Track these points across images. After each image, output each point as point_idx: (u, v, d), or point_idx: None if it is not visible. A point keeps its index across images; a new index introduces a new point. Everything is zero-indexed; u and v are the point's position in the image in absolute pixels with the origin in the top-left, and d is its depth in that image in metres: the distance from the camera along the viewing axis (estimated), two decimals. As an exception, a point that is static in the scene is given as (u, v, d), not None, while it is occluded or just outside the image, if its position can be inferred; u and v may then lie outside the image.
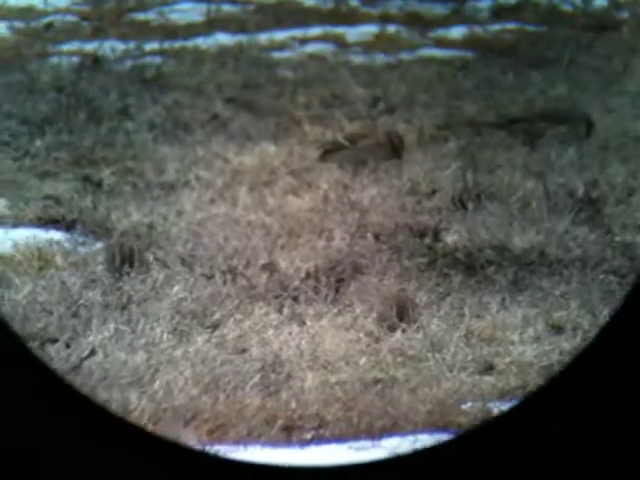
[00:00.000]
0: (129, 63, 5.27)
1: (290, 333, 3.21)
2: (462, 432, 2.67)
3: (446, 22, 5.62)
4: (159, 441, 2.46)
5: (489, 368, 3.06)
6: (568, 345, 3.16)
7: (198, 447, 2.69)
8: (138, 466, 2.32)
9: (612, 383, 2.30)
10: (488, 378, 3.01)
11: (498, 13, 5.70)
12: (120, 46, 5.43)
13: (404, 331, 3.22)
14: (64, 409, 2.32)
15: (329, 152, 4.31)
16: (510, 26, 5.57)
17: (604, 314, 3.29)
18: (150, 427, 2.76)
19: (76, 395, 2.43)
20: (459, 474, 2.32)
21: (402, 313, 3.28)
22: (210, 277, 3.49)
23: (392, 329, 3.24)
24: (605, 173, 4.11)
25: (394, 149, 4.24)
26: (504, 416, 2.65)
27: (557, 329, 3.25)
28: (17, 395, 2.31)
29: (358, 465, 2.46)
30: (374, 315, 3.29)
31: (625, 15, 5.57)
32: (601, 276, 3.50)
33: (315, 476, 2.42)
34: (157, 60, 5.31)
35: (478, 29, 5.56)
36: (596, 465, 2.29)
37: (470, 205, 3.95)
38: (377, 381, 3.01)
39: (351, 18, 5.72)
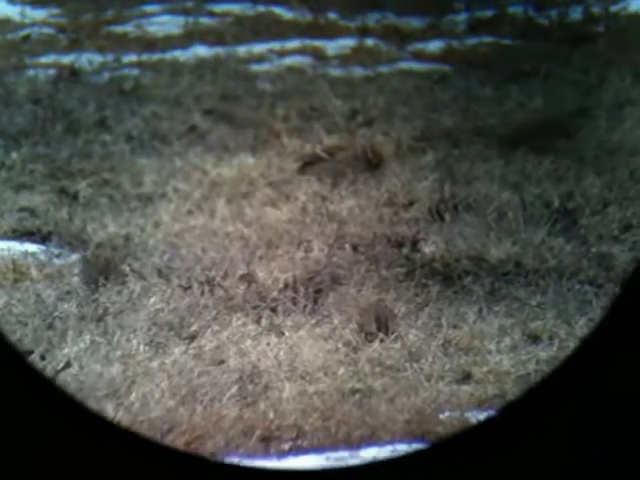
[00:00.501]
0: (107, 75, 5.26)
1: (268, 344, 3.20)
2: (438, 441, 2.66)
3: (424, 35, 5.66)
4: (146, 443, 2.44)
5: (466, 377, 3.07)
6: (545, 354, 3.18)
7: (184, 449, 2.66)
8: (124, 467, 2.29)
9: (591, 395, 2.30)
10: (466, 387, 3.02)
11: (475, 26, 5.75)
12: (98, 58, 5.42)
13: (382, 341, 3.22)
14: (52, 412, 2.30)
15: (308, 164, 4.32)
16: (487, 39, 5.62)
17: (580, 324, 3.31)
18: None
19: (63, 398, 2.40)
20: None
21: (380, 323, 3.28)
22: (187, 288, 3.47)
23: (370, 339, 3.23)
24: (581, 185, 4.15)
25: (370, 163, 4.25)
26: (481, 425, 2.65)
27: (534, 339, 3.26)
28: (7, 399, 2.28)
29: (338, 470, 2.44)
30: (352, 325, 3.29)
31: (601, 28, 5.63)
32: (577, 286, 3.52)
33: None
34: (135, 72, 5.30)
35: (455, 42, 5.61)
36: (574, 476, 2.29)
37: (447, 216, 3.96)
38: (355, 391, 3.00)
39: (329, 31, 5.74)
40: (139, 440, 2.45)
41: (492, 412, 2.80)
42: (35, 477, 2.27)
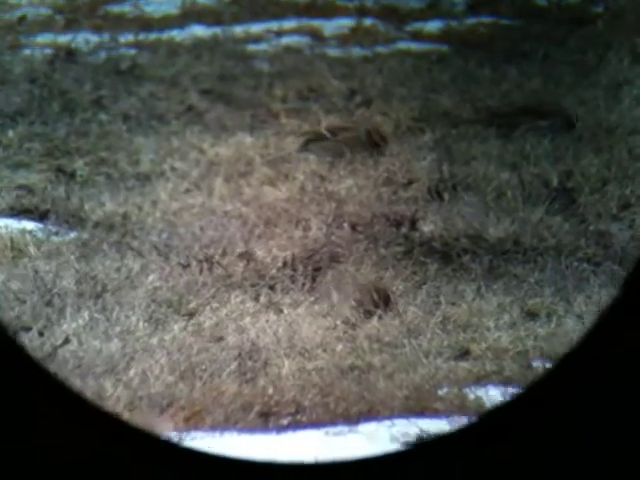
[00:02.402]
0: (103, 55, 5.24)
1: (267, 321, 3.20)
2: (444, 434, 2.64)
3: (422, 15, 5.63)
4: (134, 431, 2.44)
5: (465, 354, 3.07)
6: (543, 331, 3.18)
7: (173, 438, 2.67)
8: (114, 456, 2.30)
9: (599, 384, 2.29)
10: (464, 364, 3.02)
11: (473, 7, 5.72)
12: (94, 38, 5.39)
13: (380, 318, 3.23)
14: (42, 396, 2.30)
15: (311, 142, 4.29)
16: (485, 20, 5.60)
17: (578, 301, 3.32)
18: (126, 415, 2.74)
19: (54, 382, 2.40)
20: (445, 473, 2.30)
21: (379, 301, 3.28)
22: (186, 266, 3.47)
23: (369, 316, 3.24)
24: (579, 164, 4.15)
25: (374, 144, 4.24)
26: (488, 416, 2.62)
27: (532, 316, 3.27)
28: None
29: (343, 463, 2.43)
30: (351, 303, 3.29)
31: (599, 9, 5.61)
32: (575, 264, 3.53)
33: (303, 473, 2.40)
34: (132, 52, 5.28)
35: (454, 22, 5.58)
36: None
37: (446, 195, 3.96)
38: (354, 367, 3.01)
39: (327, 11, 5.72)
40: (125, 426, 2.45)
41: (499, 402, 2.78)
42: (22, 459, 2.26)
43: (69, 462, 2.29)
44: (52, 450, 2.27)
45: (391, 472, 2.31)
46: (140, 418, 2.73)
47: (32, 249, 3.61)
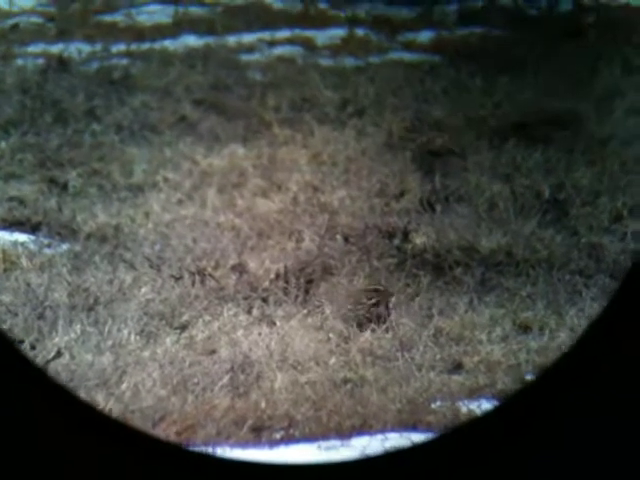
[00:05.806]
0: (96, 65, 5.24)
1: (259, 334, 3.20)
2: (431, 438, 2.65)
3: (414, 26, 5.66)
4: (135, 433, 2.44)
5: (458, 367, 3.08)
6: (535, 344, 3.19)
7: (173, 442, 2.66)
8: (112, 456, 2.29)
9: (588, 393, 2.29)
10: (457, 377, 3.03)
11: (465, 17, 5.75)
12: (87, 48, 5.39)
13: (373, 331, 3.23)
14: (43, 401, 2.30)
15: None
16: (477, 30, 5.62)
17: (570, 314, 3.33)
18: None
19: (56, 388, 2.40)
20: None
21: (371, 313, 3.28)
22: (178, 278, 3.46)
23: (361, 329, 3.24)
24: (571, 176, 4.16)
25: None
26: (479, 420, 2.63)
27: (524, 329, 3.28)
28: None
29: (331, 465, 2.43)
30: (343, 315, 3.29)
31: (590, 19, 5.64)
32: (567, 277, 3.54)
33: (288, 475, 2.41)
34: (124, 62, 5.28)
35: (445, 33, 5.61)
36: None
37: (438, 207, 3.97)
38: (347, 381, 3.01)
39: (320, 21, 5.74)
40: (128, 430, 2.45)
41: (489, 408, 2.79)
42: (24, 464, 2.25)
43: (72, 467, 2.28)
44: (54, 455, 2.26)
45: (371, 477, 2.30)
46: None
47: (24, 261, 3.60)
